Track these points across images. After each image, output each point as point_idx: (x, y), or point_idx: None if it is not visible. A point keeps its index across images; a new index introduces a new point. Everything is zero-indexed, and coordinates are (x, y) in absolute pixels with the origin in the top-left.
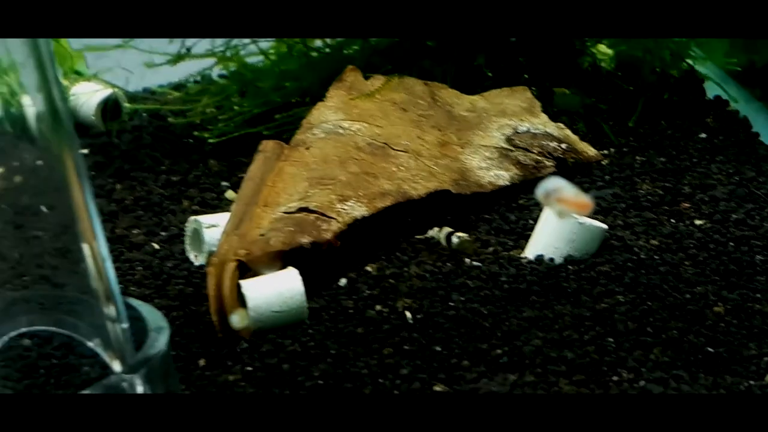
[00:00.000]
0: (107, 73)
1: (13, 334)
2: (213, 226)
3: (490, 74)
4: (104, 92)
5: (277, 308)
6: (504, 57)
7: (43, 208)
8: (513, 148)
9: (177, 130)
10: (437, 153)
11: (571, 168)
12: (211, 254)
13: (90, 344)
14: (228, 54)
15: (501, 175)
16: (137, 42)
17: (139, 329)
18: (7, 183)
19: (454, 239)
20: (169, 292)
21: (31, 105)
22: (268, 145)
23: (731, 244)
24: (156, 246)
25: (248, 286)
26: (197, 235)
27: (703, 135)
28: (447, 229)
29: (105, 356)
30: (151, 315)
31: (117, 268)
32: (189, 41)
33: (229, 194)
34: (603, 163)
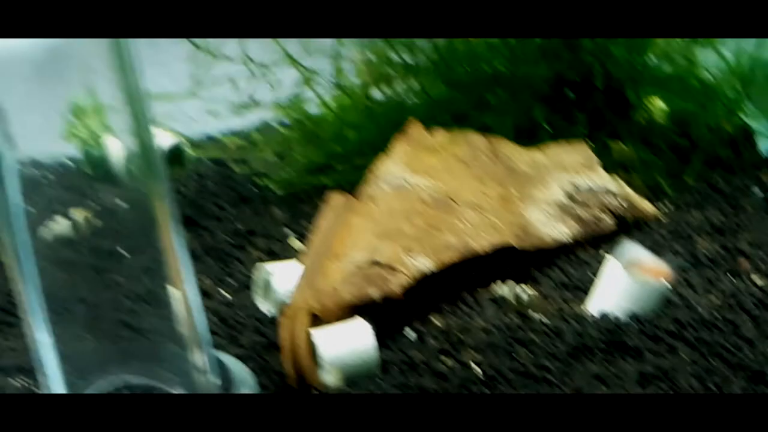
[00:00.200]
0: (170, 119)
1: (96, 382)
2: (282, 276)
3: (547, 127)
4: (168, 140)
5: (350, 361)
6: (561, 110)
7: (123, 252)
8: (573, 204)
9: (240, 178)
10: (499, 207)
11: (629, 224)
12: (281, 304)
13: (172, 392)
14: (290, 103)
15: (561, 230)
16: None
17: (224, 380)
18: (87, 225)
19: (524, 296)
20: (240, 341)
21: (114, 147)
22: (336, 199)
23: None
24: (226, 294)
25: (321, 337)
26: (267, 284)
27: (757, 190)
28: (515, 286)
29: None
30: (235, 366)
31: None
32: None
33: (295, 243)
34: (661, 219)
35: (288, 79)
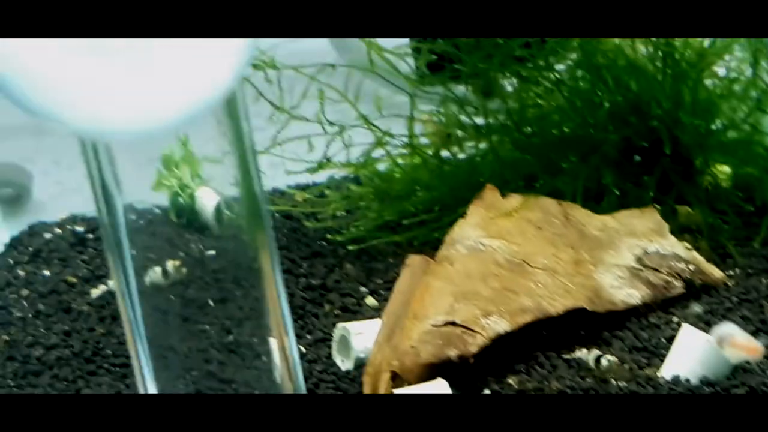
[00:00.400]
0: None
1: None
2: (360, 334)
3: (616, 191)
4: (213, 198)
5: None
6: (629, 175)
7: (210, 302)
8: (643, 268)
9: (311, 233)
10: (572, 271)
11: (697, 289)
12: (358, 361)
13: None
14: (363, 162)
15: (632, 294)
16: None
17: None
18: (179, 274)
19: (604, 362)
20: None
21: (206, 197)
22: (414, 260)
23: None
24: (302, 349)
25: None
26: (345, 341)
27: None
28: (596, 351)
29: None
30: None
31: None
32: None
33: (370, 301)
34: (728, 284)
35: (360, 137)
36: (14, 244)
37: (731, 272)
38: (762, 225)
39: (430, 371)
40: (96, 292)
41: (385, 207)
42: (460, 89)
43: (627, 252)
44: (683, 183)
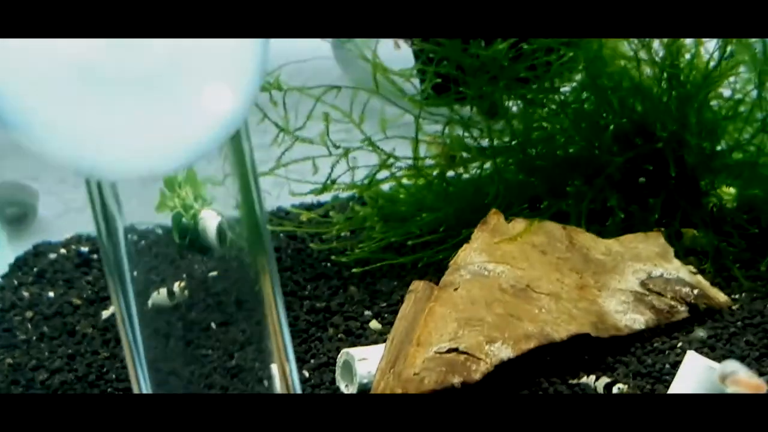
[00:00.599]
0: None
1: None
2: (364, 359)
3: (621, 214)
4: (215, 219)
5: None
6: (634, 196)
7: (213, 325)
8: (647, 293)
9: (314, 254)
10: (576, 296)
11: (701, 313)
12: (362, 387)
13: None
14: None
15: (636, 319)
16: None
17: None
18: (184, 296)
19: (615, 390)
20: None
21: (209, 218)
22: (418, 286)
23: None
24: (306, 374)
25: None
26: (348, 366)
27: None
28: (605, 379)
29: None
30: None
31: None
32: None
33: (374, 324)
34: (733, 308)
35: (365, 157)
36: (19, 264)
37: (736, 296)
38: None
39: None
40: (100, 314)
41: (389, 228)
42: (466, 110)
43: (631, 276)
44: (688, 205)
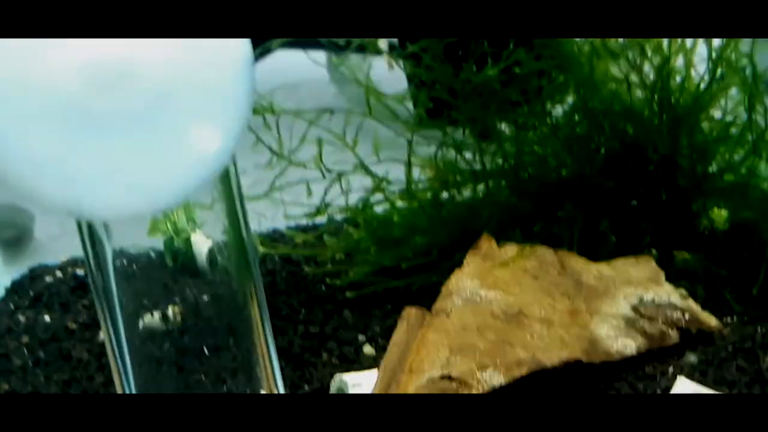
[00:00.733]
0: None
1: None
2: (357, 386)
3: (612, 237)
4: (205, 243)
5: None
6: (626, 219)
7: (205, 350)
8: (639, 318)
9: (309, 277)
10: (568, 321)
11: (693, 338)
12: None
13: None
14: (360, 206)
15: (628, 344)
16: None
17: None
18: (177, 320)
19: None
20: None
21: (200, 242)
22: (411, 312)
23: None
24: None
25: None
26: (341, 392)
27: None
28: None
29: None
30: None
31: None
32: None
33: (368, 349)
34: (724, 332)
35: (358, 179)
36: (15, 288)
37: (727, 320)
38: (760, 270)
39: None
40: (96, 338)
41: (383, 252)
42: (459, 133)
43: (623, 301)
44: (680, 228)
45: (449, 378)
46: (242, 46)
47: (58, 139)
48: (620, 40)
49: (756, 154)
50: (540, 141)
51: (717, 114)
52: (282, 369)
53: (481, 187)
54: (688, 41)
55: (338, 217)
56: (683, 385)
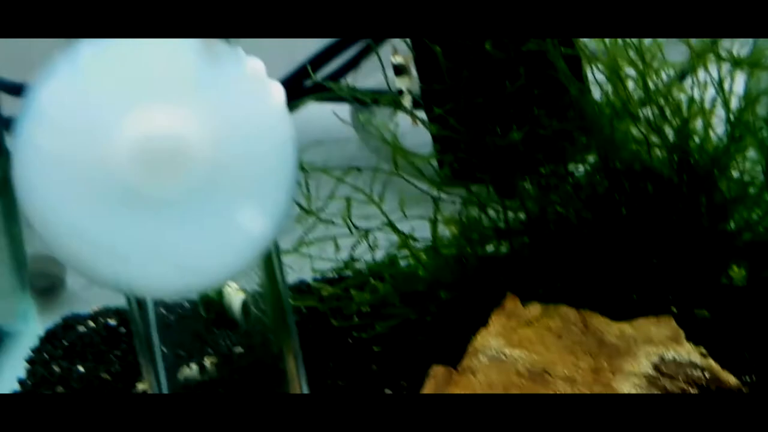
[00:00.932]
0: None
1: None
2: None
3: (635, 297)
4: (239, 296)
5: None
6: (647, 279)
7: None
8: (660, 376)
9: (336, 330)
10: (590, 380)
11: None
12: None
13: None
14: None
15: None
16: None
17: None
18: (215, 371)
19: None
20: None
21: (233, 294)
22: (438, 371)
23: None
24: None
25: None
26: None
27: None
28: None
29: None
30: None
31: None
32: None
33: None
34: (742, 390)
35: (385, 234)
36: (49, 337)
37: (746, 378)
38: None
39: None
40: (130, 389)
41: (408, 306)
42: (483, 191)
43: (644, 360)
44: (700, 286)
45: None
46: (286, 120)
47: (110, 217)
48: (641, 102)
49: None
50: (562, 200)
51: (735, 174)
52: None
53: (504, 245)
54: (707, 103)
55: (365, 270)
56: None
